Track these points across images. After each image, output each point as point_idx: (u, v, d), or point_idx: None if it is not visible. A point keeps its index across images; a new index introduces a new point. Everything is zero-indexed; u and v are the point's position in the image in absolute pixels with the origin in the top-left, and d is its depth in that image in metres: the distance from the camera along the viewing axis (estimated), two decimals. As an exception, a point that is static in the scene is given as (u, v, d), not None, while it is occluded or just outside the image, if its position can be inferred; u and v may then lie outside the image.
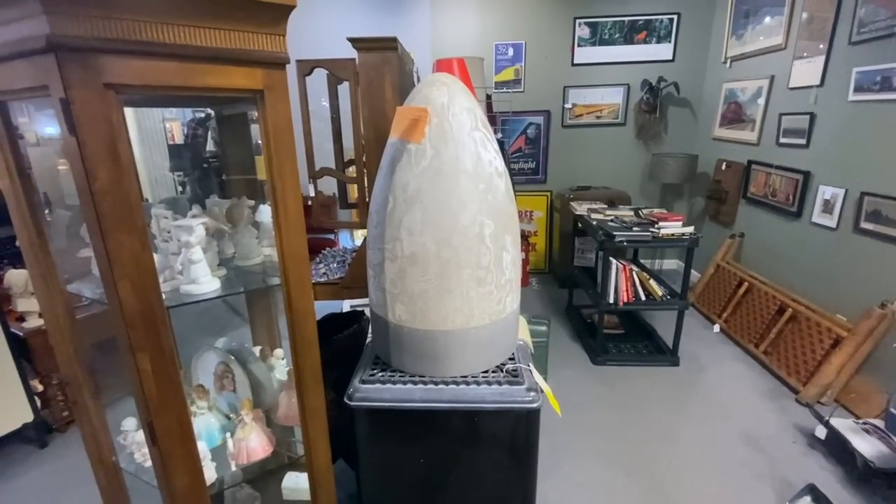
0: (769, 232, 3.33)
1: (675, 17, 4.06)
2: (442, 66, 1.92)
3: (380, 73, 1.59)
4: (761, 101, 3.39)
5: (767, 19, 3.33)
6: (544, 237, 4.66)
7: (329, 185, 3.39)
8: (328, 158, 1.90)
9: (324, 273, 2.00)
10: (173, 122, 4.31)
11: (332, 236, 3.86)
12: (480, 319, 1.21)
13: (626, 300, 2.96)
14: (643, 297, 2.97)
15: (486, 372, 1.27)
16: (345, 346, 1.62)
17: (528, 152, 4.51)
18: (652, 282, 3.00)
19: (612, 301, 2.95)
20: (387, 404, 1.20)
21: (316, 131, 1.79)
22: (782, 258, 3.18)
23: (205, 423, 1.16)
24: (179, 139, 4.19)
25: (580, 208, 3.48)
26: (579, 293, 3.63)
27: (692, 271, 3.98)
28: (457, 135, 1.15)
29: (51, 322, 1.04)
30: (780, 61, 3.19)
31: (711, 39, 4.07)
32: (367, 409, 1.21)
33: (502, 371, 1.28)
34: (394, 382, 1.24)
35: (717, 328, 3.44)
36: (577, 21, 4.12)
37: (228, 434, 1.18)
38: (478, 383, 1.22)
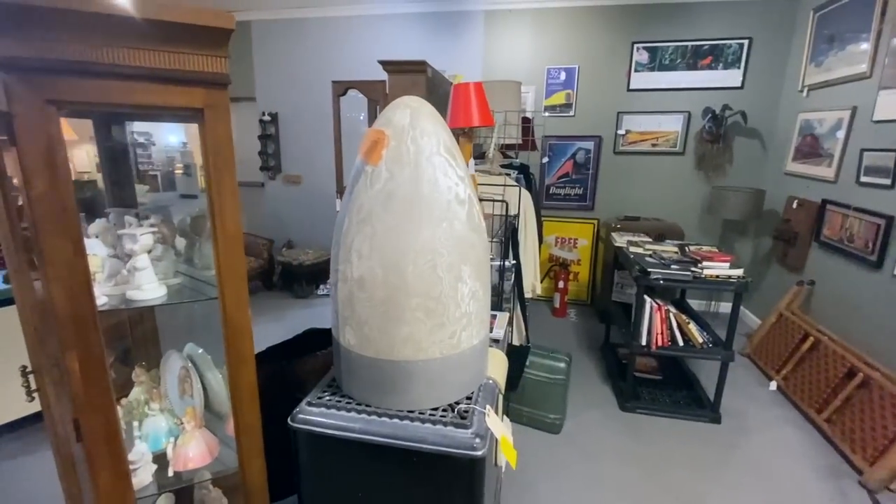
0: (844, 282, 2.91)
1: (746, 42, 3.74)
2: (458, 89, 1.89)
3: (408, 94, 1.60)
4: (841, 134, 3.00)
5: (851, 45, 2.96)
6: (588, 267, 4.43)
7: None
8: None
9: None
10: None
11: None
12: (431, 353, 1.15)
13: (660, 343, 2.70)
14: (681, 342, 2.70)
15: (436, 409, 1.20)
16: (323, 364, 1.62)
17: (575, 178, 4.34)
18: (692, 326, 2.72)
19: (644, 343, 2.71)
20: (326, 431, 1.16)
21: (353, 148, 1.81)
22: (857, 313, 2.75)
23: (153, 426, 1.20)
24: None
25: (620, 239, 3.26)
26: (617, 330, 3.39)
27: (754, 318, 3.58)
28: (414, 158, 1.11)
29: (22, 313, 1.13)
30: (863, 91, 2.82)
31: (787, 66, 3.70)
32: (308, 433, 1.18)
33: (453, 410, 1.19)
34: (338, 409, 1.20)
35: (773, 385, 3.04)
36: (636, 46, 3.95)
37: (173, 439, 1.20)
38: (422, 421, 1.15)
